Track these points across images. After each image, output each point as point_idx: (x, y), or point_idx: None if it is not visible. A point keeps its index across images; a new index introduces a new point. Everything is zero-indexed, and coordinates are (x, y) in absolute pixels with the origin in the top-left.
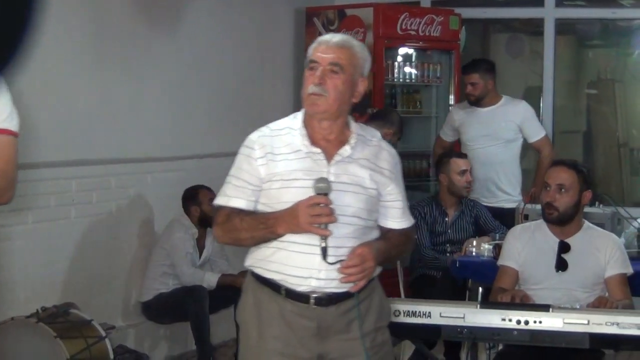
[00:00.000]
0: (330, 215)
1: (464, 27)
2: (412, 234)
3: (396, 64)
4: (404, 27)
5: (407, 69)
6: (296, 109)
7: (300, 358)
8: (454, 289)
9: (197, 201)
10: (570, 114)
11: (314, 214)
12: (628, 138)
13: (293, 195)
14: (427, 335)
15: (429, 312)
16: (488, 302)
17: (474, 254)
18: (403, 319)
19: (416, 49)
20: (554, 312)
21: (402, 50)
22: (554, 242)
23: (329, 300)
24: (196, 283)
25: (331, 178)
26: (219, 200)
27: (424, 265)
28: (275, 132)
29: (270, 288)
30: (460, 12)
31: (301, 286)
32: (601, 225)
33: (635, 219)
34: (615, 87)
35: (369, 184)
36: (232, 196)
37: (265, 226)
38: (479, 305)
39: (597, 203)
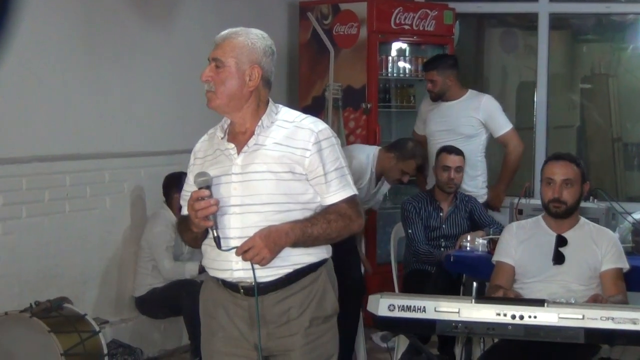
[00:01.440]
0: (211, 207)
1: (457, 22)
2: (346, 208)
3: (390, 58)
4: (398, 21)
5: (401, 64)
6: (289, 104)
7: (242, 347)
8: (448, 283)
9: (180, 187)
10: (564, 109)
11: (198, 209)
12: (622, 133)
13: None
14: (421, 330)
15: (424, 307)
16: (483, 297)
17: (468, 248)
18: (397, 314)
19: (410, 44)
20: (548, 307)
21: (396, 45)
22: (551, 236)
23: (259, 289)
24: (178, 277)
25: (238, 170)
26: (183, 210)
27: (419, 260)
28: (210, 136)
29: (212, 280)
30: (455, 6)
31: (229, 278)
32: (595, 220)
33: (630, 213)
34: (609, 82)
35: (279, 167)
36: (183, 205)
37: (186, 227)
38: (473, 300)
39: (591, 198)
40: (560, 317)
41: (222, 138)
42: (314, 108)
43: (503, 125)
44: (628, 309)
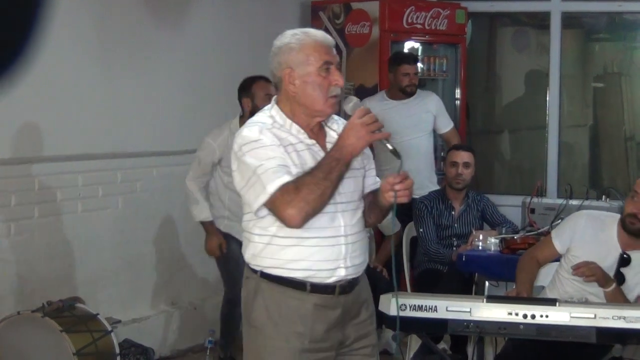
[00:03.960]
0: (377, 121)
1: (470, 21)
2: None
3: None
4: (410, 20)
5: None
6: None
7: (324, 349)
8: (460, 283)
9: (250, 93)
10: (576, 108)
11: (369, 123)
12: (634, 131)
13: None
14: (433, 329)
15: (435, 306)
16: (494, 296)
17: (480, 247)
18: (409, 313)
19: (422, 43)
20: (560, 306)
21: (408, 44)
22: (615, 250)
23: (349, 286)
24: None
25: None
26: (269, 189)
27: (430, 259)
28: (267, 126)
29: (291, 287)
30: (467, 5)
31: (329, 278)
32: None
33: None
34: (621, 81)
35: (357, 164)
36: (279, 175)
37: (338, 162)
38: (485, 300)
39: (603, 197)
40: (572, 317)
41: (299, 132)
42: None
43: (448, 122)
44: None
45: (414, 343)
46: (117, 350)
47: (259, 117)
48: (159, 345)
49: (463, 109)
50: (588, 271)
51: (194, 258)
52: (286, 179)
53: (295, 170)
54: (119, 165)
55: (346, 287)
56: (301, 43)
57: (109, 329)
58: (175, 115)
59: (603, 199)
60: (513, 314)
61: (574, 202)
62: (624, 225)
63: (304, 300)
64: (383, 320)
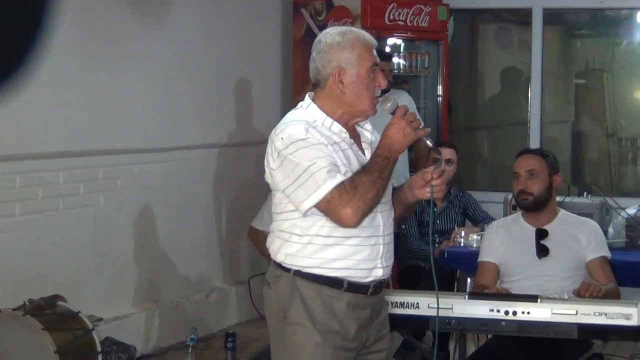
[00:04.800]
0: (418, 119)
1: (452, 18)
2: None
3: None
4: (392, 17)
5: (396, 60)
6: (283, 101)
7: (352, 349)
8: (442, 280)
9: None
10: (559, 104)
11: (412, 121)
12: (617, 128)
13: None
14: (415, 326)
15: (418, 304)
16: (476, 293)
17: (462, 244)
18: (391, 310)
19: (404, 40)
20: (542, 302)
21: (391, 41)
22: (531, 231)
23: (380, 287)
24: None
25: None
26: (326, 188)
27: (412, 256)
28: (309, 125)
29: (328, 284)
30: (449, 2)
31: (367, 278)
32: (590, 215)
33: (624, 209)
34: (603, 77)
35: None
36: (333, 175)
37: (388, 160)
38: (467, 297)
39: (585, 193)
40: (553, 313)
41: (342, 131)
42: None
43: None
44: (621, 305)
45: (396, 340)
46: (99, 349)
47: (298, 114)
48: (141, 343)
49: (445, 105)
50: (595, 292)
51: (176, 256)
52: (341, 178)
53: (344, 170)
54: (100, 162)
55: (378, 287)
56: (353, 43)
57: (91, 327)
58: (156, 112)
59: (585, 196)
60: (495, 310)
61: (556, 199)
62: (520, 205)
63: (339, 299)
64: None
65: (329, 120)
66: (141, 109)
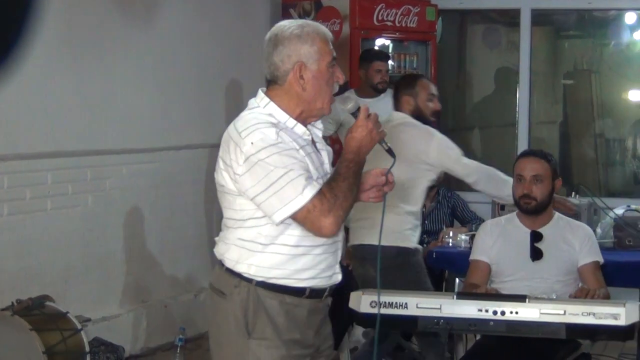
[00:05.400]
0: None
1: (440, 18)
2: None
3: None
4: (380, 18)
5: None
6: None
7: (309, 355)
8: (430, 279)
9: (414, 92)
10: (546, 105)
11: (375, 121)
12: (604, 128)
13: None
14: (403, 326)
15: (406, 303)
16: (464, 293)
17: (450, 244)
18: (380, 310)
19: (393, 40)
20: (530, 302)
21: (379, 42)
22: (525, 233)
23: (333, 290)
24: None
25: (329, 168)
26: (306, 196)
27: None
28: (274, 126)
29: (289, 293)
30: (437, 2)
31: (327, 284)
32: (577, 216)
33: (612, 209)
34: (591, 78)
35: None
36: (311, 182)
37: (358, 165)
38: (455, 296)
39: (573, 193)
40: (541, 313)
41: (307, 135)
42: None
43: None
44: (609, 304)
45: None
46: (87, 349)
47: (257, 115)
48: (129, 343)
49: None
50: (593, 298)
51: (164, 256)
52: (317, 186)
53: (316, 175)
54: (88, 162)
55: (332, 290)
56: (312, 36)
57: (79, 327)
58: (144, 112)
59: (573, 196)
60: (483, 310)
61: None
62: (520, 208)
63: (300, 306)
64: (354, 317)
65: (292, 121)
66: (129, 109)
